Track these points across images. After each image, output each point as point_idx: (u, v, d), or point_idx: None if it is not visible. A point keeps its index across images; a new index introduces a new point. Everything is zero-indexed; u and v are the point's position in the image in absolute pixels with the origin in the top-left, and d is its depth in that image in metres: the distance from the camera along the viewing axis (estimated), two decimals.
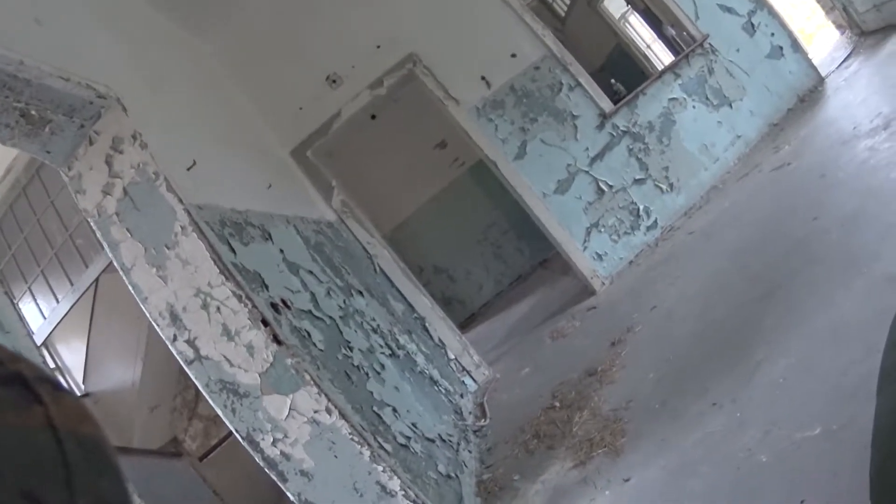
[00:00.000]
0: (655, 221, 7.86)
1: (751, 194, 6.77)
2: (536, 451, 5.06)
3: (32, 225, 9.10)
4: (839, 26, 9.67)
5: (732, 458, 3.26)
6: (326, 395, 4.28)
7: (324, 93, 7.97)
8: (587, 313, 7.23)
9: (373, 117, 9.18)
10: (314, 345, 4.78)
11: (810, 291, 4.26)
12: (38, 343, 9.06)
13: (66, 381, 9.76)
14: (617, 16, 12.50)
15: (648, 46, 12.91)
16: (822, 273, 4.36)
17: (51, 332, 9.52)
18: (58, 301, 9.34)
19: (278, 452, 4.34)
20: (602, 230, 7.79)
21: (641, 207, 7.86)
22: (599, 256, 7.72)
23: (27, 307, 9.12)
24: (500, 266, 11.92)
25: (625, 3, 11.73)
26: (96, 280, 8.87)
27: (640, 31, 12.76)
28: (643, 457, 3.94)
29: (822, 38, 10.99)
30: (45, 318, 9.44)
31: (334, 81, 7.95)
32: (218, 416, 4.46)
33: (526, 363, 7.15)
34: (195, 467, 10.35)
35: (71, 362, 9.89)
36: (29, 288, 9.39)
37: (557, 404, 5.46)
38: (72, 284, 9.14)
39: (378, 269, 7.66)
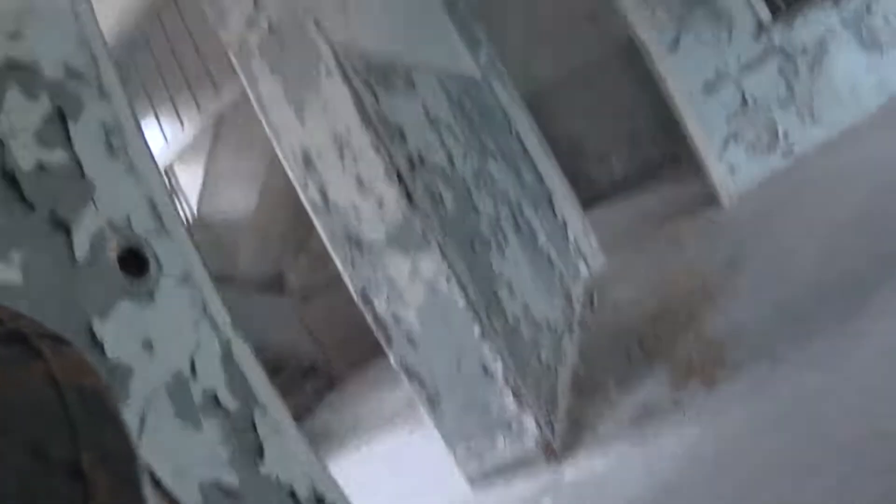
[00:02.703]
0: (792, 148, 7.40)
1: (887, 147, 6.31)
2: (636, 360, 4.91)
3: (165, 50, 9.11)
4: None
5: (819, 423, 3.09)
6: (449, 262, 4.18)
7: None
8: (710, 225, 6.96)
9: None
10: (444, 206, 4.61)
11: None
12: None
13: (181, 204, 9.93)
14: None
15: None
16: None
17: (173, 159, 9.65)
18: (182, 126, 9.42)
19: (390, 314, 4.31)
20: (740, 143, 7.40)
21: (781, 130, 7.41)
22: (732, 169, 7.35)
23: (150, 130, 9.17)
24: (633, 151, 11.59)
25: None
26: (223, 109, 8.90)
27: None
28: (736, 396, 3.76)
29: None
30: (167, 141, 9.55)
31: None
32: (325, 252, 4.45)
33: (641, 262, 6.96)
34: (295, 306, 10.56)
35: (187, 185, 10.04)
36: (154, 111, 9.48)
37: (666, 315, 5.27)
38: (199, 109, 9.18)
39: (515, 133, 7.40)
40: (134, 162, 2.25)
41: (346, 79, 4.18)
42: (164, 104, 9.39)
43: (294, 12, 4.25)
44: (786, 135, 7.43)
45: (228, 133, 9.16)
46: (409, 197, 4.14)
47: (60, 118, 2.09)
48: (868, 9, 7.56)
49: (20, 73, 2.04)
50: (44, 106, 2.06)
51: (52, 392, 0.52)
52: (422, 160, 4.62)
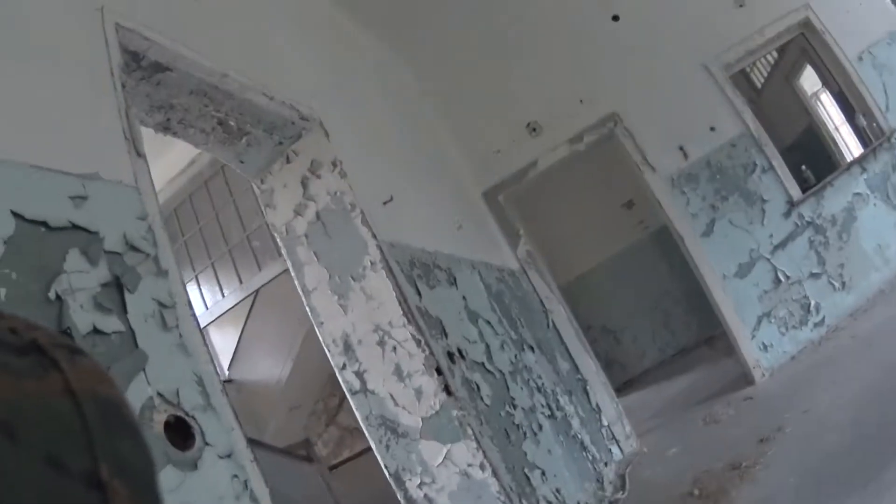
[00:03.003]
0: (823, 319, 7.45)
1: None
2: None
3: (210, 218, 9.34)
4: None
5: None
6: (484, 451, 4.17)
7: (523, 139, 7.89)
8: (743, 402, 6.91)
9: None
10: (481, 399, 4.67)
11: None
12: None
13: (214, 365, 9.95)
14: (810, 93, 12.14)
15: (836, 129, 12.47)
16: None
17: (210, 322, 9.75)
18: (223, 295, 9.56)
19: (422, 495, 4.27)
20: (772, 321, 7.44)
21: (813, 303, 7.47)
22: (765, 347, 7.36)
23: (191, 293, 9.32)
24: (666, 336, 11.60)
25: (819, 81, 11.36)
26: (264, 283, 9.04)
27: (830, 112, 12.31)
28: None
29: None
30: (206, 308, 9.68)
31: (534, 129, 7.85)
32: (355, 428, 4.46)
33: (674, 442, 6.87)
34: (323, 475, 10.40)
35: (221, 347, 10.11)
36: (196, 276, 9.64)
37: (696, 492, 5.21)
38: (241, 282, 9.33)
39: (551, 324, 7.49)
40: (185, 338, 2.35)
41: (391, 273, 4.33)
42: (206, 271, 9.55)
43: (342, 204, 4.43)
44: (817, 307, 7.51)
45: (267, 303, 9.28)
46: (447, 390, 4.19)
47: (118, 287, 2.19)
48: (894, 167, 7.76)
49: (82, 237, 2.16)
50: (102, 273, 2.16)
51: (69, 402, 0.52)
52: (461, 354, 4.70)
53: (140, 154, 2.65)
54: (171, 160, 8.51)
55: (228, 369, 10.05)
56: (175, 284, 2.44)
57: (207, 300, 9.73)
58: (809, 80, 11.46)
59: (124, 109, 2.68)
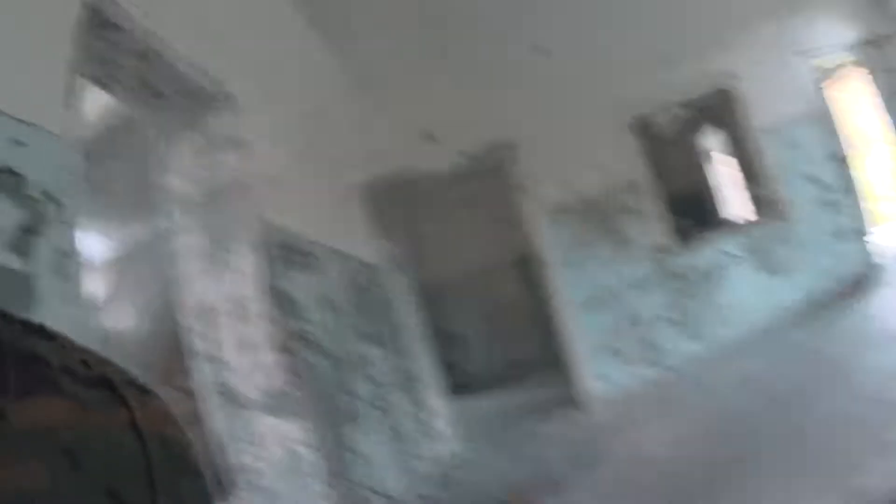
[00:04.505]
0: (667, 361, 7.96)
1: (768, 366, 6.89)
2: None
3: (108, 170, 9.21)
4: None
5: None
6: (313, 431, 4.41)
7: (416, 145, 8.11)
8: (570, 425, 7.39)
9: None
10: (319, 381, 4.90)
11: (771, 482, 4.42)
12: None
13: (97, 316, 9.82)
14: (707, 151, 12.50)
15: (726, 190, 12.84)
16: (795, 467, 4.50)
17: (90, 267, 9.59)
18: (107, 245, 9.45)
19: (246, 464, 4.40)
20: (616, 354, 7.93)
21: (660, 344, 8.01)
22: (604, 377, 7.84)
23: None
24: (510, 350, 11.92)
25: (719, 143, 11.76)
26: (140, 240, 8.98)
27: (721, 172, 12.66)
28: None
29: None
30: (90, 257, 9.53)
31: (430, 138, 8.09)
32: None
33: (497, 451, 7.32)
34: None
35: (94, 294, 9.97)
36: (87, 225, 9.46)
37: (508, 500, 5.66)
38: (119, 235, 9.25)
39: (398, 321, 7.71)
40: (78, 288, 2.51)
41: (260, 250, 4.51)
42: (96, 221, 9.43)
43: (235, 178, 4.57)
44: (663, 349, 8.01)
45: (139, 260, 9.21)
46: (290, 369, 4.40)
47: (30, 231, 2.31)
48: (774, 236, 8.41)
49: (11, 180, 2.28)
50: (20, 215, 2.29)
51: (135, 438, 0.53)
52: (306, 335, 4.91)
53: (74, 107, 2.79)
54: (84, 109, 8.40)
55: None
56: (74, 237, 2.60)
57: (92, 249, 9.60)
58: (710, 139, 11.92)
59: (73, 62, 2.79)
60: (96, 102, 8.07)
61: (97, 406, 0.52)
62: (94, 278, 9.65)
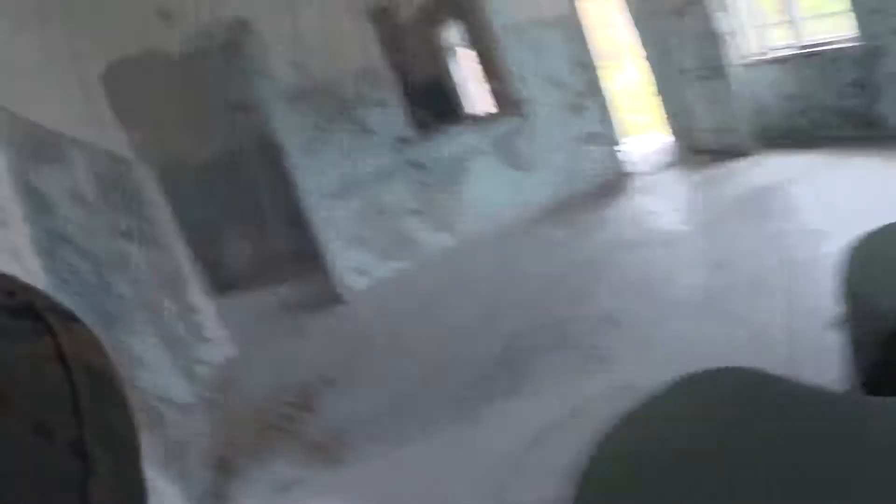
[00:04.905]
0: (419, 253, 8.09)
1: (517, 257, 7.21)
2: (268, 439, 5.20)
3: None
4: (672, 132, 10.00)
5: (445, 499, 3.57)
6: None
7: (153, 24, 7.50)
8: (332, 319, 7.48)
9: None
10: (80, 281, 4.63)
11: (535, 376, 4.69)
12: None
13: None
14: (450, 42, 12.51)
15: (468, 84, 12.96)
16: (557, 359, 4.84)
17: None
18: None
19: None
20: (367, 247, 7.94)
21: (409, 236, 8.08)
22: (357, 269, 7.86)
23: None
24: (265, 244, 11.69)
25: (459, 38, 11.81)
26: None
27: (464, 66, 12.74)
28: (362, 474, 4.22)
29: (649, 137, 11.18)
30: None
31: (168, 17, 7.52)
32: None
33: (270, 351, 7.26)
34: None
35: None
36: None
37: (290, 399, 5.66)
38: None
39: (153, 217, 7.31)
40: None
41: (5, 145, 4.10)
42: None
43: None
44: (414, 241, 8.11)
45: None
46: (50, 269, 4.06)
47: None
48: (518, 133, 8.63)
49: None
50: None
51: (60, 369, 0.52)
52: (64, 234, 4.61)
53: None
54: None
55: None
56: None
57: None
58: (453, 32, 11.91)
59: None
60: None
61: (21, 336, 0.51)
62: None
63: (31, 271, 4.03)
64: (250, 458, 4.96)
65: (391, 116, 8.11)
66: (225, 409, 6.15)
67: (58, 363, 0.51)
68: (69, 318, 0.56)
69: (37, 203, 4.26)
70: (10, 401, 0.46)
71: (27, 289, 0.56)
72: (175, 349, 6.19)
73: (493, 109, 9.69)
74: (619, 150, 9.32)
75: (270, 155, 9.54)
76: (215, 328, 7.62)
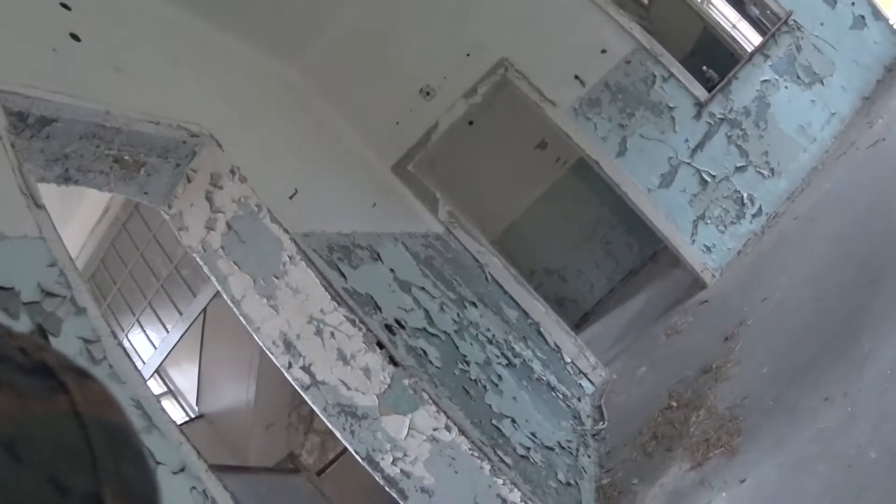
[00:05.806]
0: (760, 209, 7.58)
1: (850, 174, 6.43)
2: (655, 453, 4.93)
3: (136, 259, 9.24)
4: None
5: (844, 456, 3.11)
6: (445, 412, 4.23)
7: (419, 106, 7.89)
8: (699, 307, 7.02)
9: (470, 123, 8.99)
10: (430, 362, 4.72)
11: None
12: (152, 371, 9.28)
13: (180, 404, 9.96)
14: None
15: (734, 26, 12.57)
16: None
17: (162, 361, 9.69)
18: (167, 331, 9.48)
19: (398, 471, 4.29)
20: (708, 222, 7.55)
21: (745, 195, 7.59)
22: (708, 249, 7.48)
23: (137, 338, 9.29)
24: (610, 262, 11.64)
25: None
26: (205, 307, 8.99)
27: (724, 12, 12.42)
28: (758, 455, 3.81)
29: None
30: (155, 347, 9.60)
31: (428, 94, 7.85)
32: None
33: (641, 362, 6.95)
34: (313, 482, 10.44)
35: (184, 385, 10.07)
36: (138, 320, 9.55)
37: (674, 404, 5.29)
38: (180, 314, 9.27)
39: (489, 277, 7.57)
40: (115, 368, 2.38)
41: (310, 262, 4.35)
42: (145, 312, 9.48)
43: (248, 208, 4.42)
44: (751, 199, 7.64)
45: (213, 329, 9.25)
46: (393, 362, 4.22)
47: (42, 334, 2.20)
48: (798, 48, 7.90)
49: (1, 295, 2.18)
50: (25, 324, 2.18)
51: (75, 425, 0.53)
52: (400, 324, 4.74)
53: (39, 206, 2.63)
54: (85, 214, 8.44)
55: (197, 405, 10.02)
56: (95, 320, 2.44)
57: (154, 340, 9.66)
58: None
59: (17, 167, 2.67)
60: (94, 205, 8.23)
61: (36, 394, 0.52)
62: (180, 368, 9.74)
63: (369, 368, 4.23)
64: (639, 478, 4.78)
65: (678, 87, 7.71)
66: (607, 436, 6.04)
67: (73, 420, 0.53)
68: (83, 375, 0.58)
69: (361, 304, 4.48)
70: (27, 458, 0.47)
71: (40, 347, 0.58)
72: (548, 395, 6.24)
73: (761, 36, 9.05)
74: (885, 26, 8.15)
75: (587, 173, 9.56)
76: (584, 360, 7.58)
